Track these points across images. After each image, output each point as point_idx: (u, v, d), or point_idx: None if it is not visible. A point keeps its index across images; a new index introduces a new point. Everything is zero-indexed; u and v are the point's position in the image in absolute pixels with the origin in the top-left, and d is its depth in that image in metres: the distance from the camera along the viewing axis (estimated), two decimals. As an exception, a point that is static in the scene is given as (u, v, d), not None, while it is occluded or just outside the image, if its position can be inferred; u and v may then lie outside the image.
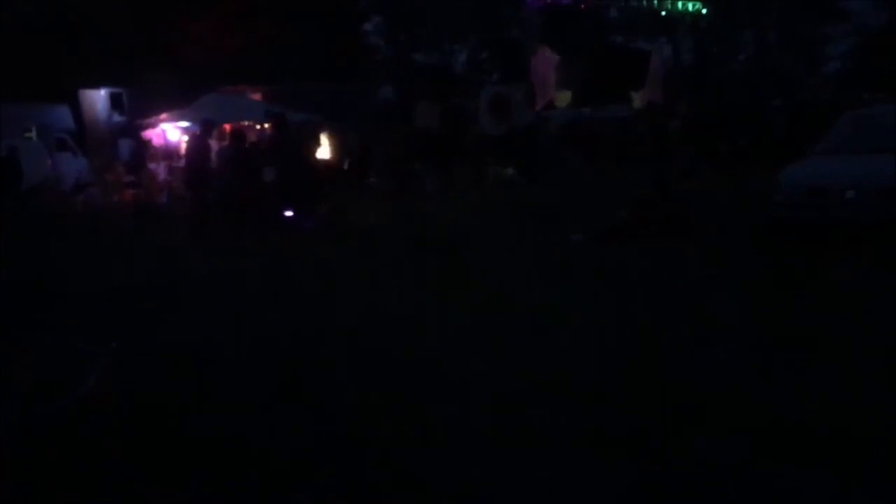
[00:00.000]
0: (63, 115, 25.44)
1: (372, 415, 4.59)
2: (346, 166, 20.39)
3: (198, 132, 13.92)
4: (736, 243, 9.67)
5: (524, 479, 3.76)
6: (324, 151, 20.18)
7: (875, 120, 11.33)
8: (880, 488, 3.53)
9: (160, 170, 19.84)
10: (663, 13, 38.72)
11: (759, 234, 9.78)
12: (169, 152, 20.36)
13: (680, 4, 37.92)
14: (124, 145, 21.54)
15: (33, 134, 22.31)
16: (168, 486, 3.87)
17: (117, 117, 25.63)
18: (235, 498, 3.77)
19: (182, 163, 16.31)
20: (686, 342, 5.65)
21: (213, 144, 14.49)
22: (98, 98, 26.18)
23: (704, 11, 39.17)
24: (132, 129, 22.19)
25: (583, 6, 37.38)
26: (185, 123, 20.28)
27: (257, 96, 24.95)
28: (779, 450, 3.90)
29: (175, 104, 21.86)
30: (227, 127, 17.79)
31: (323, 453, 4.13)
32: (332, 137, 21.27)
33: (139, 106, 24.04)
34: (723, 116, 23.92)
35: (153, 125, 21.53)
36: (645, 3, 38.54)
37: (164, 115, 21.46)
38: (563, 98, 31.94)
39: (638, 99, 30.80)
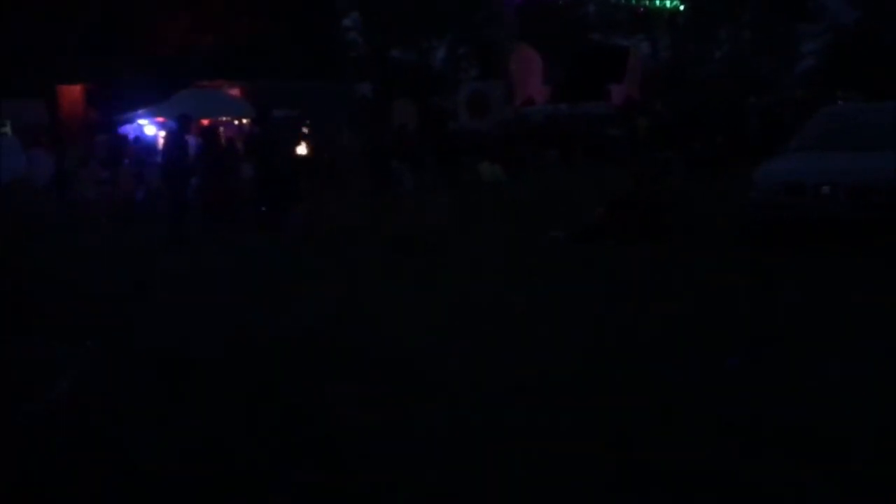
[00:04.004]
0: (38, 110, 25.14)
1: (350, 414, 4.57)
2: (323, 164, 20.32)
3: (175, 128, 13.81)
4: (713, 241, 9.73)
5: (505, 478, 3.76)
6: (302, 149, 20.11)
7: (850, 117, 11.47)
8: (867, 488, 3.55)
9: (137, 166, 19.66)
10: (641, 10, 38.94)
11: (736, 231, 9.84)
12: (146, 148, 20.19)
13: (658, 1, 38.12)
14: (100, 141, 21.32)
15: (8, 129, 22.03)
16: (144, 490, 3.84)
17: (93, 113, 25.38)
18: (212, 499, 3.76)
19: (159, 159, 16.16)
20: (667, 341, 5.67)
21: (191, 140, 14.38)
22: (74, 94, 25.91)
23: (682, 8, 39.43)
24: (108, 125, 21.98)
25: (560, 2, 37.52)
26: (161, 119, 20.14)
27: (235, 92, 24.82)
28: (764, 450, 3.91)
29: (152, 100, 21.67)
30: (205, 122, 17.71)
31: (300, 453, 4.11)
32: (309, 134, 21.20)
33: (116, 101, 23.82)
34: (699, 114, 24.07)
35: (130, 121, 21.35)
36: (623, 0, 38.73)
37: (140, 111, 21.28)
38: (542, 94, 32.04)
39: (616, 96, 30.97)
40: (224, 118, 21.24)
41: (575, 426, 4.27)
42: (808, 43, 45.56)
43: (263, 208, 12.89)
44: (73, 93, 26.09)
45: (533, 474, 3.78)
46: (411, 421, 4.43)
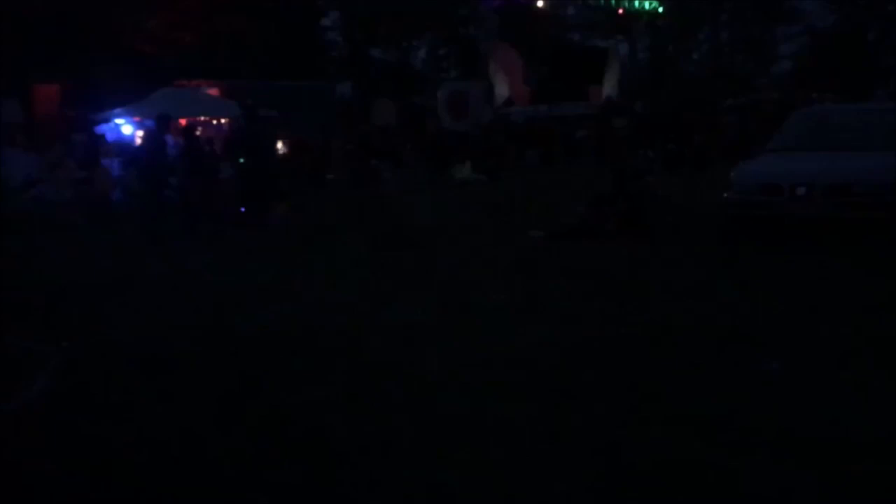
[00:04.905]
0: (12, 109, 24.87)
1: (332, 414, 4.54)
2: (306, 163, 20.28)
3: (153, 127, 13.72)
4: (691, 240, 9.78)
5: (491, 478, 3.74)
6: (282, 148, 20.05)
7: (826, 118, 11.59)
8: (867, 488, 3.53)
9: (114, 166, 19.50)
10: (620, 11, 39.07)
11: (714, 231, 9.90)
12: (123, 148, 20.04)
13: (637, 3, 38.27)
14: (77, 140, 21.14)
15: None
16: (128, 488, 3.80)
17: (70, 112, 25.13)
18: (198, 498, 3.72)
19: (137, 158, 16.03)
20: (665, 340, 5.67)
21: (170, 139, 14.30)
22: (50, 93, 25.64)
23: (661, 10, 39.63)
24: (85, 123, 21.79)
25: (540, 3, 37.56)
26: (138, 119, 20.00)
27: (214, 92, 24.68)
28: (764, 449, 3.89)
29: (129, 99, 21.52)
30: (183, 122, 17.60)
31: (289, 453, 4.07)
32: (289, 134, 21.14)
33: (93, 100, 23.62)
34: (677, 115, 24.23)
35: (106, 120, 21.18)
36: (602, 1, 38.85)
37: (118, 110, 21.13)
38: (522, 95, 32.06)
39: (595, 97, 31.05)
40: (203, 118, 21.14)
41: (570, 426, 4.24)
42: (785, 45, 45.98)
43: (243, 209, 12.82)
44: (48, 92, 25.82)
45: (529, 474, 3.75)
46: (396, 421, 4.39)
